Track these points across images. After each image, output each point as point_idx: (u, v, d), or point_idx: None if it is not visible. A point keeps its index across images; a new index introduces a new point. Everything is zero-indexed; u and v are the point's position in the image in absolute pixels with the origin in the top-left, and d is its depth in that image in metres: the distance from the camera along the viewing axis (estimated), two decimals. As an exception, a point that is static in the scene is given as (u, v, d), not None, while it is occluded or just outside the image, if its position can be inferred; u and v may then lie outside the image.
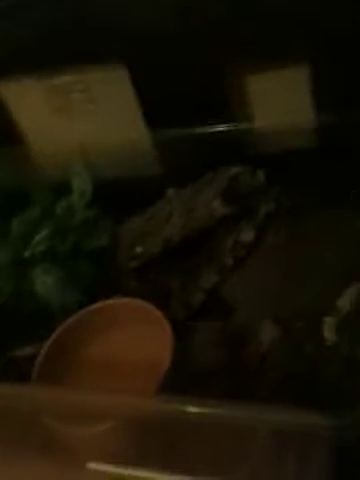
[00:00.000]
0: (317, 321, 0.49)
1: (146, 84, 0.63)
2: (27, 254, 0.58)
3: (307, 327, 0.49)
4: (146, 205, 0.66)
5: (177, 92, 0.62)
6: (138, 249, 0.61)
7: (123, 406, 0.43)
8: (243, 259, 0.53)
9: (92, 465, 0.51)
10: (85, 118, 0.70)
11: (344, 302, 0.49)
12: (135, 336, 0.56)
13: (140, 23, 0.58)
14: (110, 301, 0.58)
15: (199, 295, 0.53)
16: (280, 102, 0.58)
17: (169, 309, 0.55)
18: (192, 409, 0.37)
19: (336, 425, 0.34)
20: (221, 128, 0.62)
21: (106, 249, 0.65)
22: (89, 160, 0.68)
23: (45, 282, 0.57)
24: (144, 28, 0.58)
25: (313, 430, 0.35)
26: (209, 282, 0.53)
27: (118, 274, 0.63)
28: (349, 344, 0.46)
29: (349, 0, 0.50)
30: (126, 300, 0.57)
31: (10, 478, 0.54)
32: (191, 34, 0.58)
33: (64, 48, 0.62)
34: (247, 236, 0.53)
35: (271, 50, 0.56)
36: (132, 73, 0.62)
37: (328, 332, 0.48)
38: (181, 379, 0.50)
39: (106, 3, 0.58)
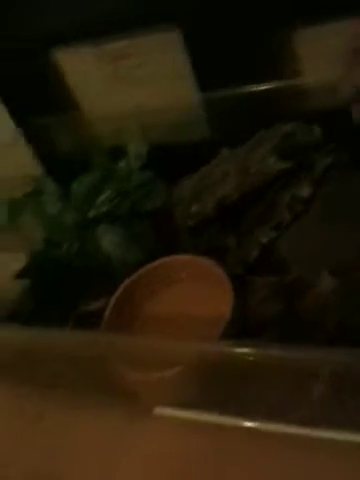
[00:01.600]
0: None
1: (196, 46, 0.63)
2: (91, 215, 0.61)
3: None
4: (200, 167, 0.67)
5: (227, 52, 0.62)
6: (194, 208, 0.63)
7: (189, 351, 0.45)
8: (301, 214, 0.53)
9: (159, 410, 0.55)
10: (138, 83, 0.71)
11: None
12: (195, 291, 0.59)
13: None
14: (169, 258, 0.61)
15: (256, 250, 0.55)
16: (329, 57, 0.58)
17: (226, 265, 0.57)
18: (255, 351, 0.39)
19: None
20: (271, 85, 0.62)
21: (162, 209, 0.67)
22: (143, 124, 0.70)
23: (110, 240, 0.60)
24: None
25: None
26: (266, 237, 0.54)
27: (176, 233, 0.65)
28: None
29: None
30: (185, 257, 0.60)
31: (78, 422, 0.58)
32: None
33: (116, 13, 0.63)
34: (304, 191, 0.53)
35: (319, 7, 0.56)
36: (183, 35, 0.63)
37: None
38: (240, 332, 0.52)
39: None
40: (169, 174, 0.67)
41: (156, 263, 0.61)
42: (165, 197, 0.68)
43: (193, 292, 0.60)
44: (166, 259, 0.61)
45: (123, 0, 0.63)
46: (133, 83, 0.71)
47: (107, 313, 0.58)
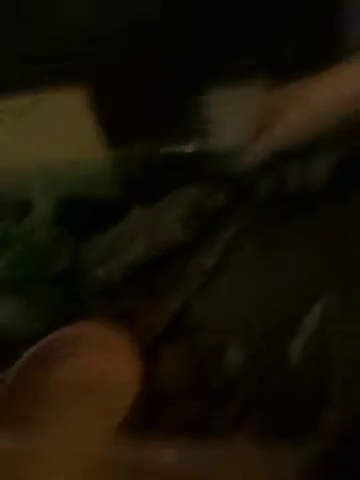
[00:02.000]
0: (284, 342, 0.49)
1: (104, 102, 0.62)
2: (-14, 282, 0.57)
3: (274, 348, 0.49)
4: (110, 225, 0.65)
5: (139, 110, 0.62)
6: (101, 271, 0.60)
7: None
8: (208, 281, 0.52)
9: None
10: (45, 137, 0.68)
11: (311, 321, 0.49)
12: (101, 361, 0.55)
13: (99, 44, 0.57)
14: (73, 327, 0.57)
15: (164, 319, 0.52)
16: (242, 122, 0.58)
17: (134, 333, 0.54)
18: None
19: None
20: (183, 146, 0.61)
21: (68, 271, 0.64)
22: (50, 180, 0.67)
23: (7, 310, 0.56)
24: (104, 49, 0.57)
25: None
26: (174, 306, 0.52)
27: (82, 296, 0.62)
28: (316, 368, 0.46)
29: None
30: (90, 325, 0.56)
31: None
32: (152, 52, 0.58)
33: (22, 70, 0.61)
34: (210, 260, 0.52)
35: (234, 71, 0.57)
36: (92, 92, 0.61)
37: (295, 354, 0.48)
38: (148, 403, 0.50)
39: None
40: (78, 231, 0.64)
41: (59, 333, 0.56)
42: (72, 257, 0.64)
43: (98, 362, 0.56)
44: (70, 328, 0.57)
45: (28, 57, 0.61)
46: (40, 138, 0.69)
47: (4, 389, 0.53)
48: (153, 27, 0.54)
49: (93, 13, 0.56)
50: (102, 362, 0.55)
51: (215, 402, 0.49)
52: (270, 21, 0.56)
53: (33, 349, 0.57)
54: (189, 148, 0.61)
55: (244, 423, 0.46)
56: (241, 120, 0.59)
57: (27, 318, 0.57)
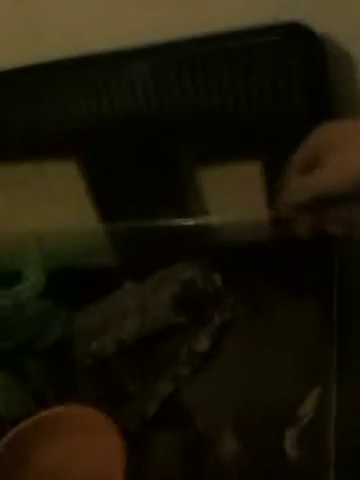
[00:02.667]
0: (278, 432, 0.47)
1: (97, 176, 0.62)
2: (-28, 356, 0.55)
3: (268, 439, 0.47)
4: (102, 296, 0.64)
5: (133, 185, 0.62)
6: (93, 346, 0.59)
7: None
8: (199, 367, 0.51)
9: None
10: (40, 208, 0.68)
11: (305, 410, 0.47)
12: (87, 446, 0.52)
13: (94, 120, 0.58)
14: (60, 408, 0.54)
15: (154, 403, 0.51)
16: (234, 197, 0.58)
17: (123, 416, 0.52)
18: None
19: None
20: (177, 221, 0.61)
21: (59, 344, 0.62)
22: (43, 249, 0.67)
23: (-4, 382, 0.54)
24: (98, 124, 0.58)
25: None
26: (165, 390, 0.51)
27: (72, 371, 0.60)
28: (311, 461, 0.44)
29: (297, 102, 0.51)
30: (78, 408, 0.54)
31: None
32: (145, 130, 0.58)
33: (22, 142, 0.61)
34: (202, 345, 0.51)
35: (225, 148, 0.57)
36: (86, 166, 0.61)
37: (289, 446, 0.46)
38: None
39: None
40: (70, 301, 0.63)
41: (44, 413, 0.54)
42: (64, 330, 0.63)
43: (84, 447, 0.53)
44: (57, 409, 0.55)
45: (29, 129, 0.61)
46: (35, 208, 0.69)
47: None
48: (148, 109, 0.55)
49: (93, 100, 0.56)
50: (87, 445, 0.52)
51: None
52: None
53: (19, 427, 0.54)
54: (185, 223, 0.61)
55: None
56: (234, 197, 0.59)
57: (16, 391, 0.55)
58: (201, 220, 0.60)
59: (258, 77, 0.51)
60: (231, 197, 0.59)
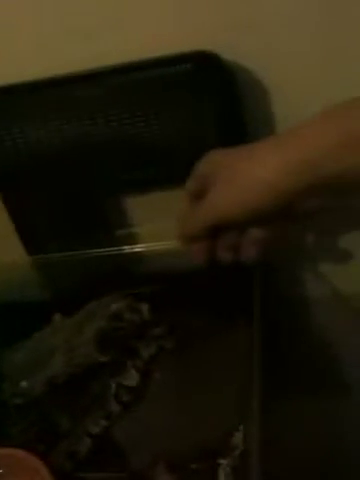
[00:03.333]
0: (212, 463, 0.46)
1: (19, 208, 0.60)
2: None
3: (202, 470, 0.47)
4: (31, 331, 0.62)
5: (56, 215, 0.60)
6: (23, 384, 0.57)
7: None
8: (130, 402, 0.50)
9: None
10: None
11: (238, 440, 0.47)
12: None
13: (14, 151, 0.56)
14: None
15: (87, 441, 0.49)
16: (163, 225, 0.58)
17: (56, 457, 0.50)
18: None
19: None
20: (104, 251, 0.60)
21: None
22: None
23: None
24: (17, 155, 0.56)
25: None
26: (97, 427, 0.49)
27: (1, 411, 0.58)
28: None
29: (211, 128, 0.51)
30: (5, 450, 0.51)
31: None
32: (69, 160, 0.57)
33: None
34: (131, 380, 0.50)
35: (148, 175, 0.57)
36: (8, 202, 0.59)
37: (223, 477, 0.45)
38: None
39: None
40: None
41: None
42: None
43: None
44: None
45: None
46: None
47: None
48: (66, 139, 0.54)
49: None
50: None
51: None
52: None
53: None
54: (113, 252, 0.60)
55: None
56: (162, 222, 0.59)
57: None
58: (129, 249, 0.60)
59: (171, 105, 0.51)
60: (159, 225, 0.59)
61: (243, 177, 0.43)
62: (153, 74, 0.51)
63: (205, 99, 0.51)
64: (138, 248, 0.60)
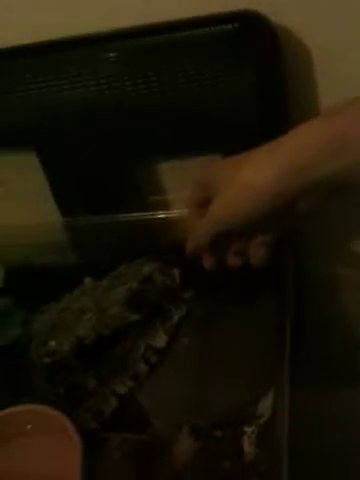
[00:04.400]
0: (236, 430, 0.46)
1: (56, 170, 0.60)
2: None
3: (226, 437, 0.46)
4: (61, 294, 0.62)
5: (90, 179, 0.60)
6: (51, 344, 0.57)
7: None
8: (157, 364, 0.50)
9: None
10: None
11: (263, 409, 0.46)
12: (41, 447, 0.52)
13: (52, 110, 0.56)
14: (15, 408, 0.53)
15: (112, 401, 0.49)
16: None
17: (81, 415, 0.51)
18: None
19: None
20: (136, 216, 0.60)
21: (16, 343, 0.60)
22: (1, 245, 0.65)
23: None
24: (56, 115, 0.56)
25: None
26: (124, 388, 0.49)
27: (29, 370, 0.59)
28: (267, 460, 0.43)
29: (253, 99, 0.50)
30: (33, 407, 0.52)
31: None
32: (104, 124, 0.57)
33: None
34: (159, 341, 0.50)
35: (183, 140, 0.56)
36: (44, 160, 0.59)
37: (247, 444, 0.45)
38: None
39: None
40: (28, 299, 0.62)
41: (2, 412, 0.53)
42: (22, 328, 0.61)
43: (39, 448, 0.52)
44: (12, 409, 0.53)
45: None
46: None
47: None
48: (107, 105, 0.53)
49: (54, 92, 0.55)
50: (45, 447, 0.51)
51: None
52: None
53: None
54: (144, 217, 0.60)
55: None
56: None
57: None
58: (161, 215, 0.60)
59: (213, 66, 0.50)
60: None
61: (238, 184, 0.44)
62: (197, 33, 0.49)
63: (248, 61, 0.49)
64: (170, 214, 0.60)
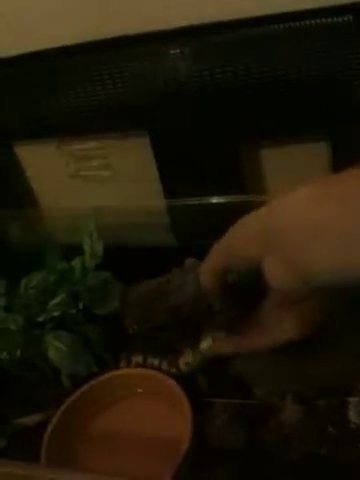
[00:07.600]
0: (341, 400, 0.48)
1: (164, 154, 0.63)
2: (41, 319, 0.57)
3: (331, 406, 0.48)
4: (159, 272, 0.65)
5: (194, 162, 0.63)
6: (146, 314, 0.60)
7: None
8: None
9: None
10: (101, 183, 0.70)
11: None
12: (151, 409, 0.55)
13: (162, 96, 0.59)
14: (122, 371, 0.57)
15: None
16: (295, 177, 0.59)
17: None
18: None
19: None
20: (237, 198, 0.62)
21: (116, 313, 0.64)
22: (103, 224, 0.68)
23: (57, 349, 0.56)
24: (166, 100, 0.59)
25: None
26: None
27: (129, 338, 0.62)
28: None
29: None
30: (142, 371, 0.56)
31: None
32: (210, 107, 0.59)
33: (85, 115, 0.62)
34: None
35: (288, 127, 0.58)
36: (153, 142, 0.62)
37: (353, 414, 0.47)
38: (199, 461, 0.48)
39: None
40: (125, 276, 0.65)
41: (105, 376, 0.56)
42: (120, 300, 0.64)
43: (148, 410, 0.55)
44: (117, 372, 0.57)
45: (93, 102, 0.62)
46: (96, 183, 0.70)
47: (48, 432, 0.52)
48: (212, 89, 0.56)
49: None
50: (154, 409, 0.54)
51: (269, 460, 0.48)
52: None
53: (79, 391, 0.55)
54: (246, 199, 0.61)
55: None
56: (296, 175, 0.60)
57: (76, 358, 0.57)
58: (261, 198, 0.61)
59: (324, 56, 0.52)
60: (294, 176, 0.60)
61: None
62: (311, 24, 0.52)
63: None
64: (269, 198, 0.62)
